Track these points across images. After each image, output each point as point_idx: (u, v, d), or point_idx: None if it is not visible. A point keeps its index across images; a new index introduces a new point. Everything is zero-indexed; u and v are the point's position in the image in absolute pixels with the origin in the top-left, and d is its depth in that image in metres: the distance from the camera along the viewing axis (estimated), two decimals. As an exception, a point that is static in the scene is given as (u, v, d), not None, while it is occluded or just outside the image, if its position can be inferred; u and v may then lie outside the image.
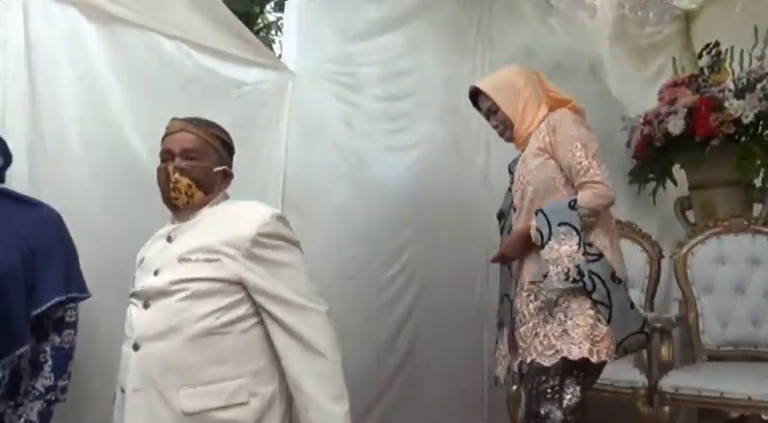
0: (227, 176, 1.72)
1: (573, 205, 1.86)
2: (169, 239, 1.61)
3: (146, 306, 1.52)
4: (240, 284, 1.52)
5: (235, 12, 2.50)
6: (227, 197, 1.72)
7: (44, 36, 2.05)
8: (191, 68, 2.35)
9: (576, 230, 1.84)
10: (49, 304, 1.70)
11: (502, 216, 2.17)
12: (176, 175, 1.61)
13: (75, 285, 1.77)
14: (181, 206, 1.63)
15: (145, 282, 1.56)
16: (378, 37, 2.88)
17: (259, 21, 5.37)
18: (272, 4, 5.30)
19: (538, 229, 1.88)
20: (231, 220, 1.59)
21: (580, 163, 1.89)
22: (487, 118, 2.16)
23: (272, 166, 2.54)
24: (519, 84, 2.07)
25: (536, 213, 1.92)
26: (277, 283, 1.52)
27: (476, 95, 2.17)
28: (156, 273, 1.55)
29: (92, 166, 2.10)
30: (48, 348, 1.72)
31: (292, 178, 2.57)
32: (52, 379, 1.70)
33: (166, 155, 1.64)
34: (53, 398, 1.70)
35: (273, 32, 5.53)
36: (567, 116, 1.97)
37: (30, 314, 1.66)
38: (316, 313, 1.54)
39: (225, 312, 1.49)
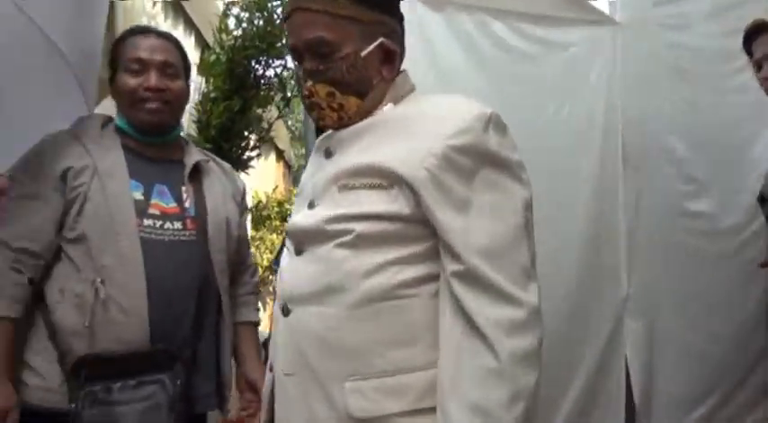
0: (390, 55, 1.07)
1: None
2: (327, 153, 1.08)
3: (298, 252, 1.05)
4: (427, 225, 0.97)
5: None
6: (411, 88, 1.11)
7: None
8: (519, 42, 2.44)
9: None
10: None
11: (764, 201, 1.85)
12: (309, 83, 1.05)
13: None
14: (335, 126, 1.08)
15: (296, 216, 1.09)
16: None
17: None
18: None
19: None
20: (415, 123, 1.01)
21: None
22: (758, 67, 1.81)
23: (608, 124, 2.50)
24: None
25: None
26: (465, 238, 0.93)
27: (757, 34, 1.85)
28: (310, 204, 1.06)
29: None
30: None
31: (628, 135, 2.50)
32: None
33: (295, 55, 1.08)
34: None
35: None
36: None
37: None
38: (515, 306, 0.92)
39: (405, 267, 0.97)
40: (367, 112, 1.06)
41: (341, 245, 0.99)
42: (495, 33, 2.43)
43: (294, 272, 1.05)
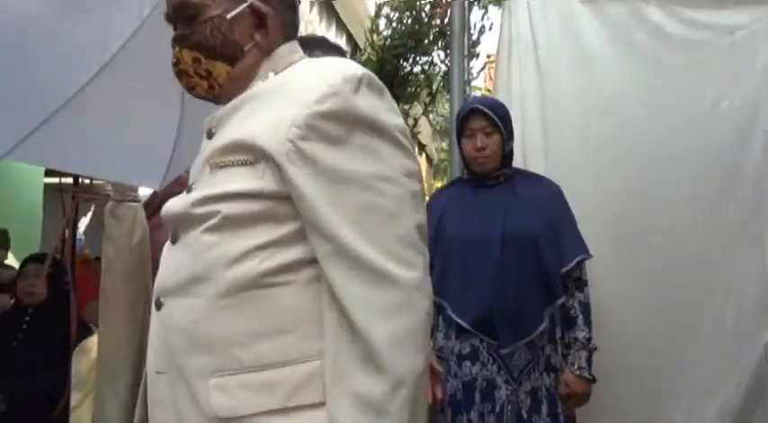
0: (263, 19, 0.99)
1: None
2: (209, 134, 0.99)
3: (173, 241, 0.97)
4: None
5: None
6: (298, 57, 1.01)
7: (543, 21, 2.30)
8: (676, 28, 2.31)
9: None
10: (573, 262, 1.92)
11: None
12: (176, 49, 0.99)
13: (586, 247, 1.97)
14: (209, 96, 1.02)
15: (170, 202, 1.00)
16: None
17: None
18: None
19: None
20: (285, 91, 0.92)
21: None
22: None
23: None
24: None
25: None
26: (333, 213, 0.84)
27: None
28: (188, 189, 0.98)
29: (584, 141, 2.28)
30: (576, 304, 1.95)
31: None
32: (587, 331, 1.92)
33: (170, 23, 1.03)
34: (594, 347, 1.92)
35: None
36: None
37: (559, 272, 1.91)
38: (391, 285, 0.83)
39: (276, 251, 0.88)
40: (245, 85, 0.98)
41: (208, 229, 0.89)
42: (651, 20, 2.32)
43: (167, 262, 0.97)
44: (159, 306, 0.93)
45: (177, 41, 0.98)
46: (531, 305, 1.87)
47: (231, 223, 0.88)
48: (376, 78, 0.91)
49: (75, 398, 2.38)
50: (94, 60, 1.27)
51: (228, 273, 0.87)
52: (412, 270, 0.85)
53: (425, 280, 0.87)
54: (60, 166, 1.64)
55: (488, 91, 4.88)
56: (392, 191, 0.86)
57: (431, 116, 10.99)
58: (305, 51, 1.03)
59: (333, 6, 6.69)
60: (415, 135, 7.41)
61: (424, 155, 11.22)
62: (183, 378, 0.88)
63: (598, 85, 2.29)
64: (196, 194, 0.92)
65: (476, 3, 4.32)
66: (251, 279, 0.87)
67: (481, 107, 1.95)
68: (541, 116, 2.30)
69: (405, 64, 4.42)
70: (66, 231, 1.78)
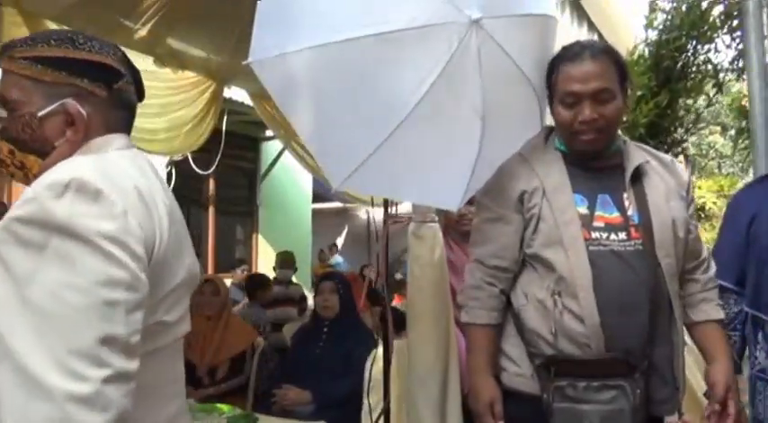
0: (74, 117, 1.03)
1: None
2: None
3: None
4: None
5: None
6: (111, 147, 1.05)
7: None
8: None
9: None
10: None
11: None
12: None
13: None
14: (28, 185, 1.01)
15: None
16: None
17: None
18: None
19: None
20: None
21: None
22: None
23: None
24: None
25: None
26: (12, 315, 0.84)
27: None
28: None
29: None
30: None
31: None
32: None
33: None
34: None
35: None
36: None
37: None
38: (47, 398, 0.81)
39: None
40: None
41: None
42: None
43: None
44: None
45: (0, 132, 1.06)
46: None
47: None
48: (91, 183, 0.91)
49: (372, 400, 2.64)
50: (413, 95, 1.42)
51: None
52: (79, 383, 0.82)
53: (103, 393, 0.83)
54: (382, 193, 1.86)
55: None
56: (77, 300, 0.84)
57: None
58: None
59: (582, 8, 6.49)
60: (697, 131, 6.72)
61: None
62: None
63: None
64: None
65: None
66: None
67: None
68: None
69: (683, 56, 4.07)
70: (380, 255, 2.00)
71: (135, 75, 1.11)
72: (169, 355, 1.05)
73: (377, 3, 1.46)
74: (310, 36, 1.45)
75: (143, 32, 3.62)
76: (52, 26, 3.36)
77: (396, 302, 4.48)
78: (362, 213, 12.22)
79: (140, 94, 1.14)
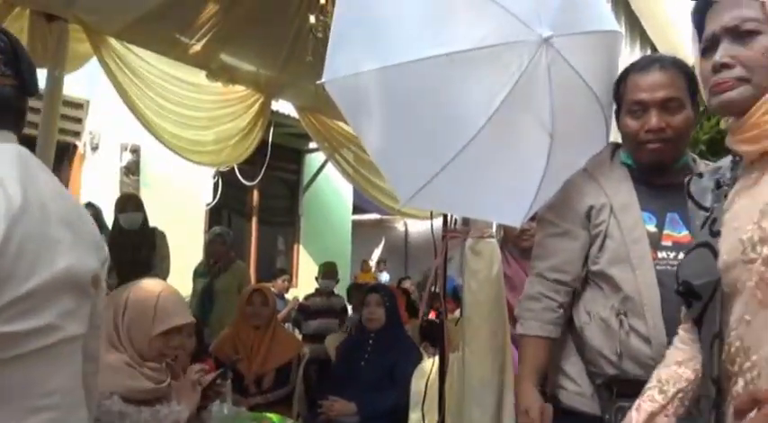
0: None
1: None
2: None
3: None
4: None
5: None
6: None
7: None
8: None
9: None
10: None
11: None
12: None
13: None
14: None
15: None
16: None
17: None
18: None
19: None
20: None
21: None
22: None
23: None
24: None
25: None
26: None
27: None
28: None
29: None
30: None
31: None
32: None
33: None
34: None
35: None
36: None
37: None
38: None
39: None
40: None
41: None
42: None
43: None
44: None
45: None
46: None
47: None
48: None
49: (413, 416, 2.63)
50: (482, 113, 1.44)
51: None
52: None
53: None
54: (448, 210, 1.88)
55: None
56: None
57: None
58: None
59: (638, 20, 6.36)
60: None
61: None
62: None
63: None
64: None
65: None
66: None
67: None
68: None
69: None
70: (438, 269, 2.01)
71: (20, 66, 1.05)
72: (35, 366, 0.97)
73: (448, 23, 1.48)
74: (382, 56, 1.48)
75: (197, 47, 3.73)
76: (114, 42, 3.50)
77: (431, 316, 4.48)
78: (400, 225, 12.25)
79: (27, 88, 1.07)
